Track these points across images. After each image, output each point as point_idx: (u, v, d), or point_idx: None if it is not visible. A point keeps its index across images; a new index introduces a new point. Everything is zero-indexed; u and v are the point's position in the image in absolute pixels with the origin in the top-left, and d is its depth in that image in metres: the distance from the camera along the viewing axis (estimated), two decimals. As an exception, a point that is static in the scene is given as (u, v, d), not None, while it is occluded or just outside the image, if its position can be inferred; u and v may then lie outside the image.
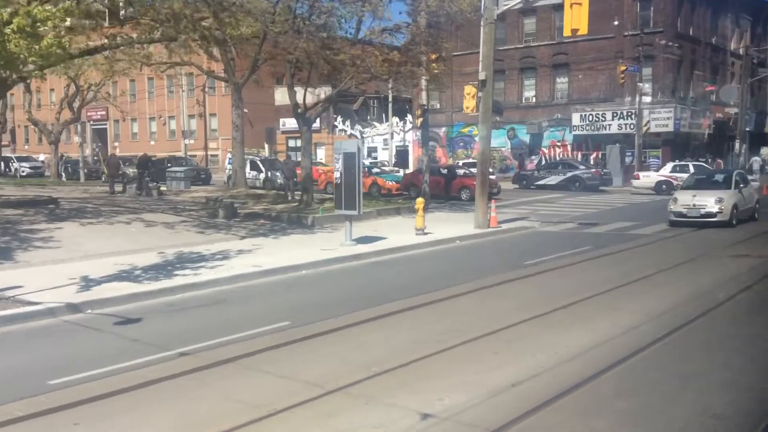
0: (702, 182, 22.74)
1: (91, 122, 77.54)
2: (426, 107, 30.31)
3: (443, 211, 26.76)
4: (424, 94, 30.47)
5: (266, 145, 34.75)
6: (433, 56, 28.09)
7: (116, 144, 74.55)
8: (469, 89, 20.33)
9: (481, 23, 19.93)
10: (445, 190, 33.56)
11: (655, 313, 9.95)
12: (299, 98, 22.90)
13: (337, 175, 16.72)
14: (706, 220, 20.14)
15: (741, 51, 50.81)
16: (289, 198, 30.75)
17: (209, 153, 65.01)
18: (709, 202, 20.35)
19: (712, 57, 48.27)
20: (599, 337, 8.62)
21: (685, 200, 20.73)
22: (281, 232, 19.11)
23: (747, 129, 54.10)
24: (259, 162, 40.68)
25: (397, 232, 18.98)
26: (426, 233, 18.67)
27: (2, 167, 49.90)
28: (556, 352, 7.93)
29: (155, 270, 13.27)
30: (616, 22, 40.59)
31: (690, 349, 8.20)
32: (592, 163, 44.57)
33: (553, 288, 12.07)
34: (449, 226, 20.84)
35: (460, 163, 44.70)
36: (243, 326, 9.30)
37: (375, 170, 38.61)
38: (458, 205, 30.76)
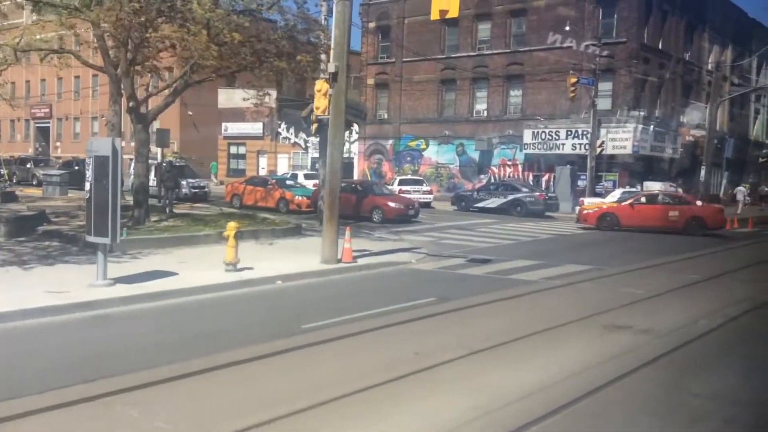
0: None
1: (35, 120, 73.85)
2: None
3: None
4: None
5: (159, 150, 30.47)
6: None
7: (58, 144, 70.17)
8: (320, 85, 15.92)
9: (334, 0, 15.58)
10: (355, 209, 29.16)
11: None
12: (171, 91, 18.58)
13: (87, 186, 12.25)
14: None
15: (716, 68, 46.73)
16: (167, 212, 26.43)
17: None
18: None
19: (685, 74, 44.01)
20: None
21: None
22: (52, 260, 14.61)
23: (726, 156, 50.09)
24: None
25: (204, 267, 14.51)
26: (240, 269, 14.21)
27: None
28: None
29: None
30: (567, 28, 36.32)
31: None
32: (544, 185, 40.31)
33: (278, 382, 7.60)
34: (290, 258, 16.40)
35: (397, 179, 40.54)
36: None
37: (289, 183, 34.23)
38: (365, 227, 26.44)
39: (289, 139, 52.48)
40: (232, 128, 55.14)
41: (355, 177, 47.44)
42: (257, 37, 18.31)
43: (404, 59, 45.76)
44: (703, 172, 36.38)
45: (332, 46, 15.56)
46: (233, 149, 55.93)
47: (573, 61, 38.92)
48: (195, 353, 8.49)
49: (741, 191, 45.37)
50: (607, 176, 38.71)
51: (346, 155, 49.67)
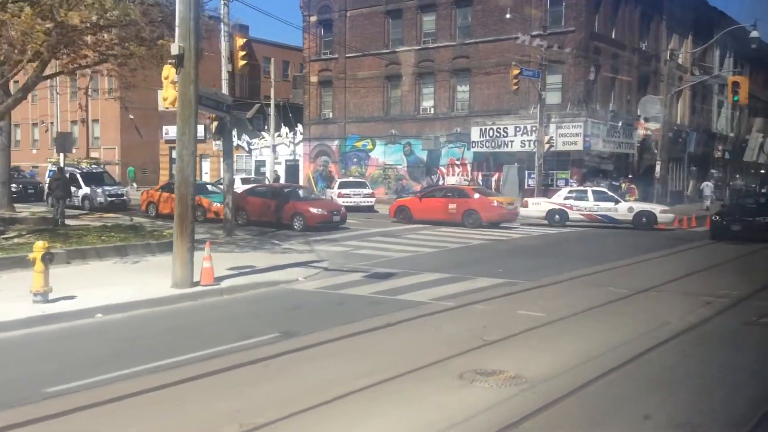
0: None
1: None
2: (228, 107, 23.15)
3: (222, 250, 19.62)
4: (224, 88, 23.36)
5: (60, 156, 27.69)
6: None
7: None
8: (167, 71, 13.27)
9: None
10: (276, 216, 26.56)
11: None
12: None
13: None
14: None
15: (680, 57, 44.59)
16: (58, 224, 23.75)
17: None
18: None
19: (641, 65, 41.79)
20: None
21: None
22: None
23: (689, 150, 48.06)
24: (78, 176, 33.24)
25: (13, 297, 11.78)
26: (54, 300, 11.50)
27: None
28: None
29: None
30: (508, 15, 33.88)
31: None
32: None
33: None
34: (141, 282, 13.69)
35: (338, 182, 37.97)
36: None
37: (212, 188, 31.44)
38: (280, 236, 23.88)
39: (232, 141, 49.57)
40: (174, 131, 52.12)
41: (301, 181, 44.77)
42: (114, 20, 15.56)
43: (347, 55, 43.16)
44: (658, 168, 34.04)
45: (177, 23, 12.90)
46: (175, 153, 52.88)
47: (520, 53, 36.57)
48: None
49: (708, 186, 43.37)
50: (559, 174, 36.35)
51: (290, 157, 47.12)
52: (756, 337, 10.09)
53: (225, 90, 23.17)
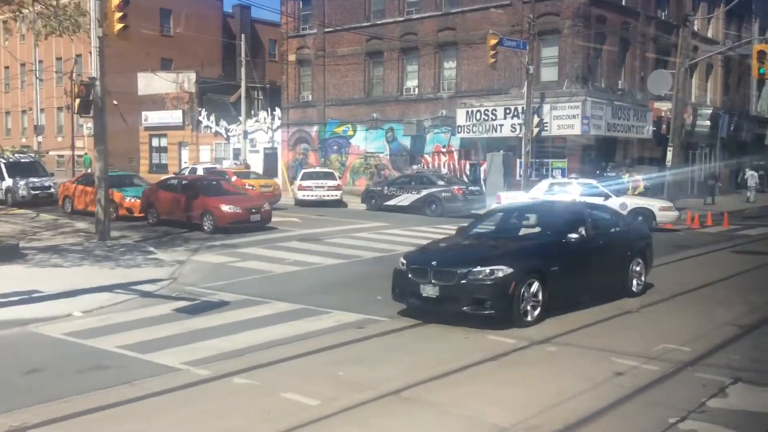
0: None
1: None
2: (94, 81, 18.92)
3: (51, 263, 15.54)
4: (93, 58, 19.09)
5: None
6: None
7: (-10, 140, 64.33)
8: None
9: None
10: (186, 214, 22.28)
11: None
12: None
13: None
14: None
15: (709, 30, 38.81)
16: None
17: (75, 153, 53.64)
18: None
19: (658, 37, 36.18)
20: None
21: None
22: None
23: (721, 135, 42.21)
24: (2, 166, 29.54)
25: None
26: None
27: None
28: None
29: None
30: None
31: None
32: (482, 176, 33.04)
33: None
34: None
35: (301, 173, 33.67)
36: None
37: (136, 180, 27.46)
38: (181, 241, 19.78)
39: (210, 127, 45.69)
40: (153, 118, 48.57)
41: (279, 172, 40.58)
42: None
43: (326, 29, 38.62)
44: (669, 155, 28.66)
45: None
46: (155, 141, 49.29)
47: (512, 22, 31.64)
48: None
49: (753, 176, 37.77)
50: (554, 163, 31.25)
51: (268, 145, 42.85)
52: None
53: (95, 62, 18.86)
